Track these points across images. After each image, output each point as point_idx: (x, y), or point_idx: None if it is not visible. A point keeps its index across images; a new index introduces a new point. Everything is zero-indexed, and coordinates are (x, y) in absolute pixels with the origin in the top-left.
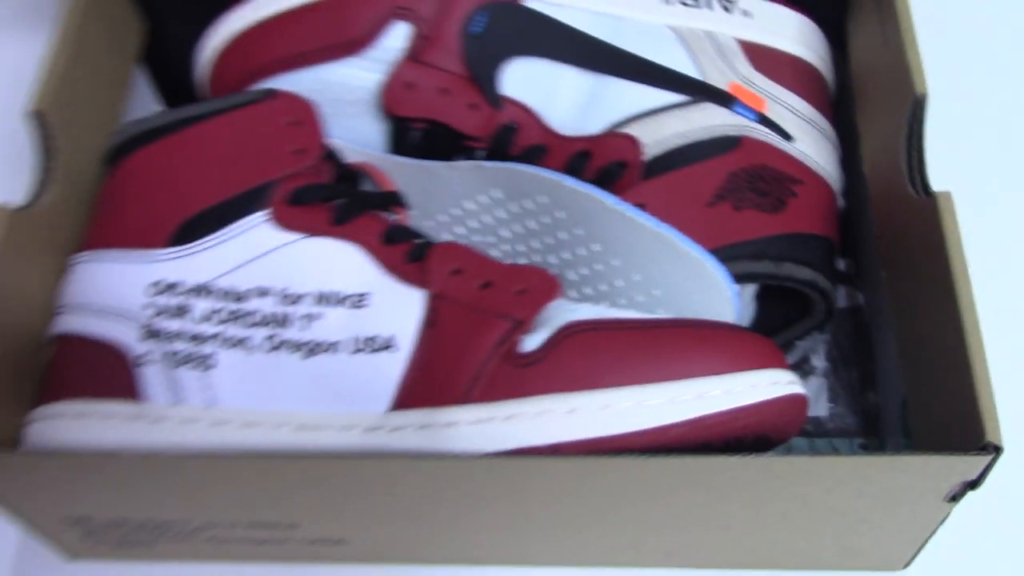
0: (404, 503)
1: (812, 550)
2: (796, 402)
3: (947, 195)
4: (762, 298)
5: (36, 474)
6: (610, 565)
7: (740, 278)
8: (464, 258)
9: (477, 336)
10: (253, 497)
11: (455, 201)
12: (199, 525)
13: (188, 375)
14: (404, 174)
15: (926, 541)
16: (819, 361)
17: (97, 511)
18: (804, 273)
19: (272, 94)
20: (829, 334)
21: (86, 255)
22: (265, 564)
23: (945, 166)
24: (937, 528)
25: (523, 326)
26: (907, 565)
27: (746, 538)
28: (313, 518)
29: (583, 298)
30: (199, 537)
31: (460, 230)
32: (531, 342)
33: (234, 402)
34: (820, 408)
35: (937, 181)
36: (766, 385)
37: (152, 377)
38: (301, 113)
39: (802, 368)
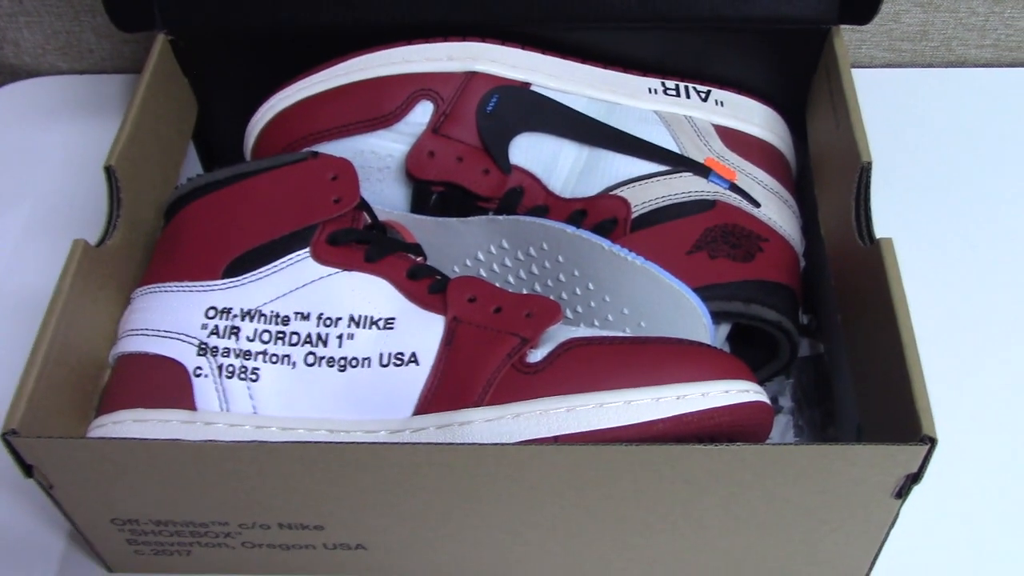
0: (422, 498)
1: (782, 558)
2: (762, 408)
3: (888, 240)
4: (733, 341)
5: (91, 467)
6: None
7: (714, 316)
8: (479, 288)
9: (490, 350)
10: (284, 495)
11: (468, 252)
12: (234, 528)
13: (237, 386)
14: (423, 230)
15: (881, 546)
16: (786, 401)
17: (143, 512)
18: (770, 315)
19: (315, 155)
20: (794, 378)
21: (148, 288)
22: None
23: (887, 220)
24: (889, 531)
25: (529, 343)
26: None
27: (721, 539)
28: (337, 519)
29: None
30: (233, 542)
31: None
32: (536, 355)
33: (276, 410)
34: (787, 441)
35: (880, 231)
36: (737, 392)
37: (205, 388)
38: (340, 169)
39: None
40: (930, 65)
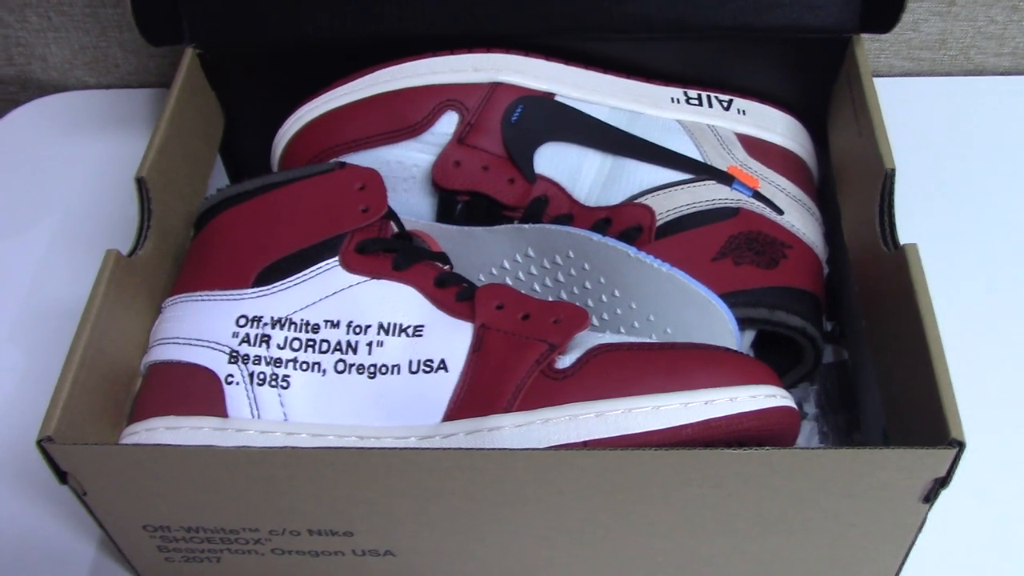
0: (451, 503)
1: (809, 562)
2: (789, 413)
3: (913, 246)
4: (758, 348)
5: (124, 473)
6: None
7: (739, 323)
8: (506, 295)
9: (518, 357)
10: (314, 501)
11: (494, 260)
12: (264, 535)
13: (267, 393)
14: (449, 239)
15: (908, 550)
16: (810, 408)
17: (174, 518)
18: (795, 321)
19: (342, 165)
20: (819, 385)
21: (179, 297)
22: None
23: (911, 226)
24: (916, 535)
25: (557, 349)
26: None
27: (749, 543)
28: (367, 525)
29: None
30: (263, 548)
31: None
32: (564, 361)
33: (306, 417)
34: (812, 447)
35: (905, 237)
36: (764, 397)
37: (236, 395)
38: (367, 180)
39: None
40: (949, 74)
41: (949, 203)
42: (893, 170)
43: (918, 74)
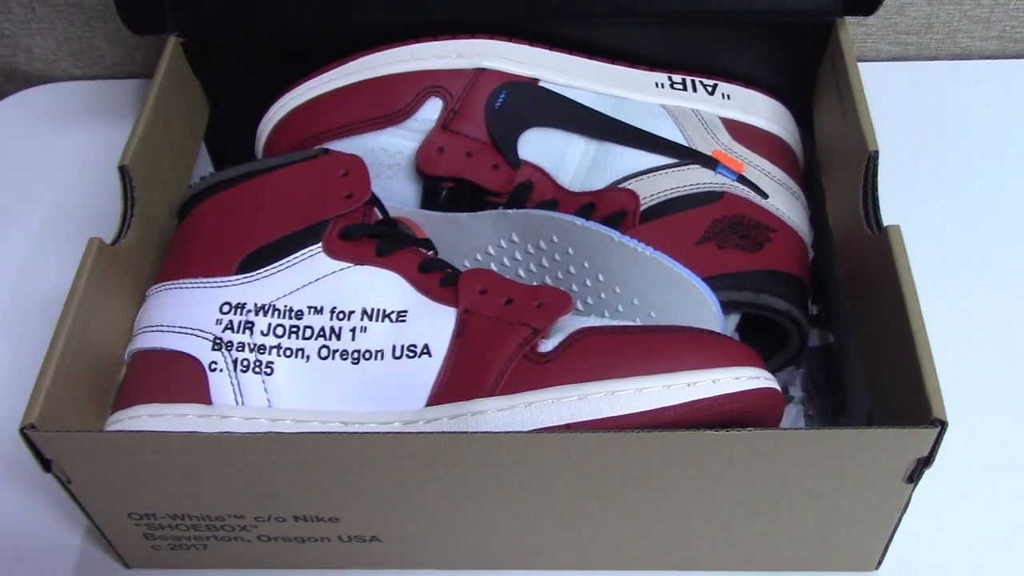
0: (436, 487)
1: (795, 544)
2: (772, 395)
3: (896, 227)
4: (743, 332)
5: (108, 460)
6: (613, 568)
7: (723, 306)
8: (490, 280)
9: (502, 341)
10: (299, 487)
11: (478, 246)
12: (250, 521)
13: (251, 380)
14: (434, 225)
15: (894, 530)
16: (796, 391)
17: (160, 506)
18: (780, 304)
19: (326, 151)
20: (804, 368)
21: (163, 285)
22: (307, 572)
23: (894, 210)
24: (901, 515)
25: (541, 333)
26: (878, 565)
27: (734, 525)
28: (352, 511)
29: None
30: (249, 535)
31: None
32: (547, 345)
33: (290, 403)
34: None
35: (890, 219)
36: (747, 378)
37: (220, 382)
38: (351, 166)
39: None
40: (936, 58)
41: (934, 187)
42: (876, 152)
43: (905, 58)
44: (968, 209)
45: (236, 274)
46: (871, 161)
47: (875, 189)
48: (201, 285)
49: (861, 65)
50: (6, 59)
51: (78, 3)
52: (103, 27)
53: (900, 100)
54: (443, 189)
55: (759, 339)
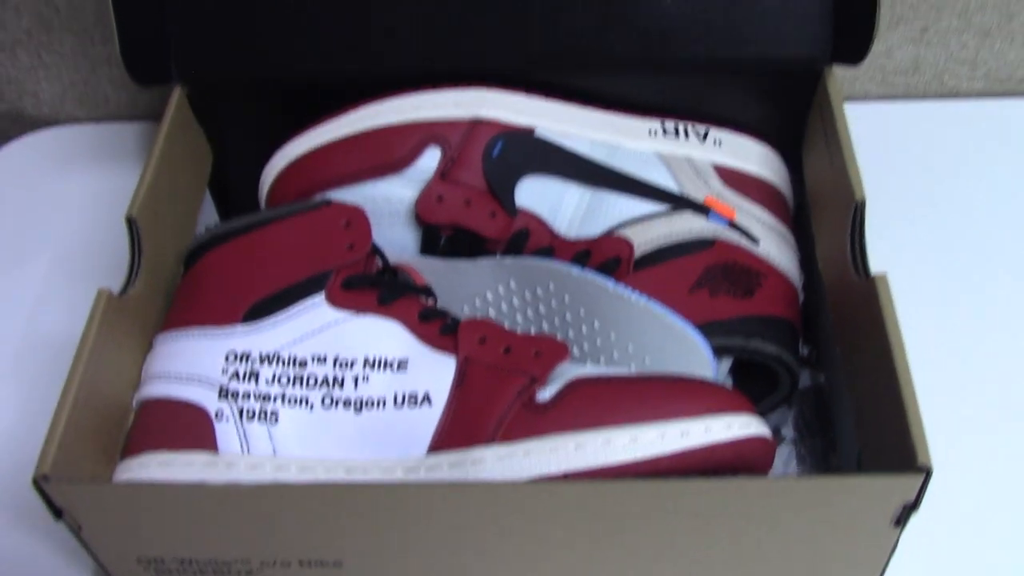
0: (436, 534)
1: None
2: (763, 442)
3: (883, 276)
4: (735, 375)
5: (118, 510)
6: None
7: (715, 351)
8: (488, 329)
9: (500, 389)
10: (305, 532)
11: (477, 292)
12: (255, 566)
13: (257, 429)
14: (434, 272)
15: (882, 574)
16: (788, 431)
17: (168, 551)
18: (770, 348)
19: (328, 202)
20: (796, 409)
21: (169, 333)
22: None
23: (882, 250)
24: (889, 559)
25: (538, 381)
26: None
27: (727, 571)
28: (355, 556)
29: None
30: None
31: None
32: (545, 394)
33: (295, 451)
34: (790, 470)
35: (876, 260)
36: (739, 426)
37: (226, 431)
38: (352, 216)
39: (774, 437)
40: (924, 97)
41: (924, 224)
42: (863, 201)
43: (893, 98)
44: (955, 248)
45: (241, 323)
46: (858, 210)
47: (863, 238)
48: (207, 333)
49: (850, 105)
50: (12, 103)
51: (83, 50)
52: (108, 73)
53: (889, 139)
54: (442, 236)
55: (751, 381)
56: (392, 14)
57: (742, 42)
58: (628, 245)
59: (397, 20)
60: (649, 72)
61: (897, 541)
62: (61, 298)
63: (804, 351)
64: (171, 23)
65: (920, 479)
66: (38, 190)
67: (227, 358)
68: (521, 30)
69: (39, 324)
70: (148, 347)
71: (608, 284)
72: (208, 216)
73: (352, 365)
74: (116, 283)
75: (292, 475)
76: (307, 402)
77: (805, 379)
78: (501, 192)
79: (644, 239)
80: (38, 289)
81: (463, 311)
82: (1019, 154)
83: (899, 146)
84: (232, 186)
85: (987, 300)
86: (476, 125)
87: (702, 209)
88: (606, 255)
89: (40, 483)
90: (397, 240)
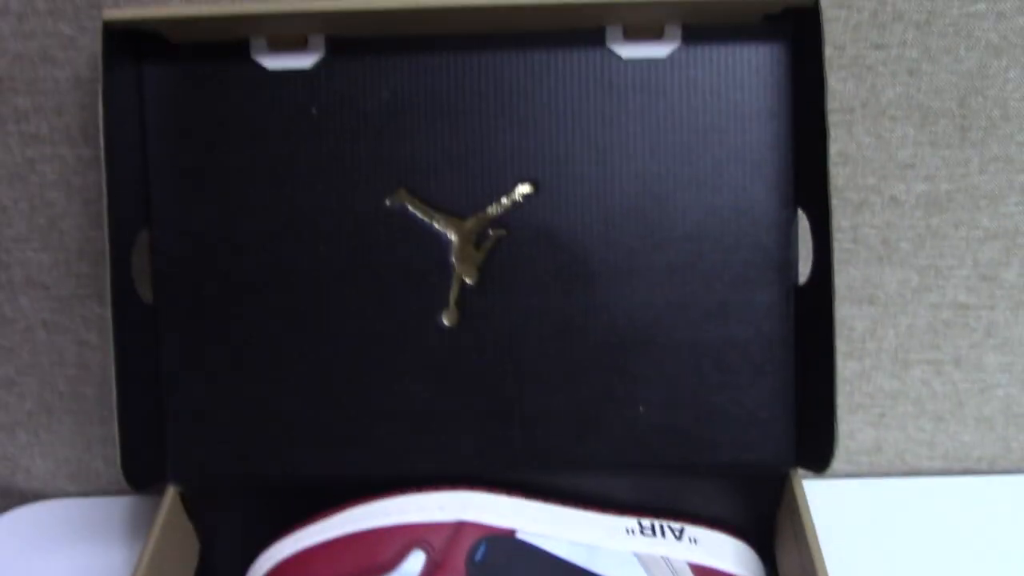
0: None
1: None
2: None
3: None
4: None
5: None
6: None
7: None
8: None
9: None
10: None
11: None
12: None
13: None
14: None
15: None
16: None
17: None
18: None
19: None
20: None
21: None
22: None
23: None
24: None
25: None
26: None
27: None
28: None
29: None
30: None
31: None
32: None
33: None
34: None
35: None
36: None
37: None
38: None
39: None
40: (887, 474)
41: None
42: None
43: (859, 475)
44: None
45: None
46: None
47: None
48: None
49: (819, 481)
50: (4, 478)
51: (81, 430)
52: (102, 451)
53: (856, 512)
54: None
55: None
56: (383, 421)
57: (713, 447)
58: None
59: (387, 426)
60: (626, 473)
61: None
62: None
63: None
64: (170, 426)
65: None
66: (25, 565)
67: None
68: (503, 434)
69: None
70: None
71: None
72: None
73: None
74: None
75: None
76: None
77: None
78: None
79: None
80: None
81: None
82: (980, 529)
83: (865, 518)
84: None
85: None
86: (460, 527)
87: None
88: None
89: None
90: None
